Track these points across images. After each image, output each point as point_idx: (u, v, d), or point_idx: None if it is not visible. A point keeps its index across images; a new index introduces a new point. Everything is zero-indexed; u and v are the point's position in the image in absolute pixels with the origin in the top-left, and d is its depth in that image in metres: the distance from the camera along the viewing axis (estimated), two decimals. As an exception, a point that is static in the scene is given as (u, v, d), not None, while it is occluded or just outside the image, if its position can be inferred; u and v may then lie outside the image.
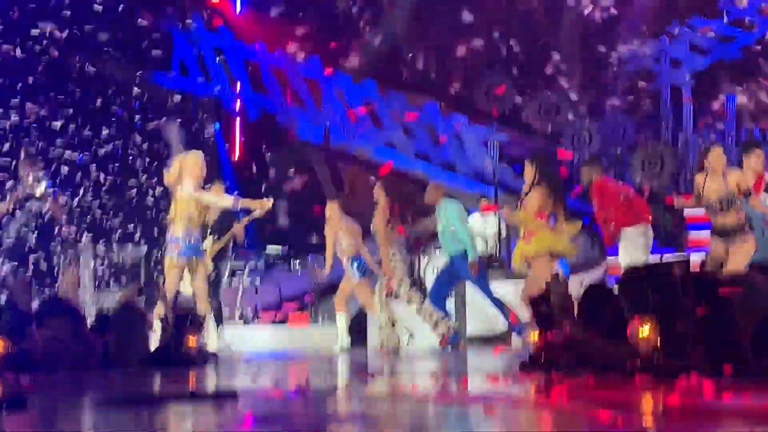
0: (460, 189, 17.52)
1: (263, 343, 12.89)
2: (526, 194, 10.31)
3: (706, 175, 9.75)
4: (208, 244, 11.42)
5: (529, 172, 10.43)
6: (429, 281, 14.64)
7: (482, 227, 15.31)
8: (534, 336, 6.63)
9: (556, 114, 18.44)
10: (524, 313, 10.76)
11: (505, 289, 13.23)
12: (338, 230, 12.12)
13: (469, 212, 15.95)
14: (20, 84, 15.34)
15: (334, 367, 8.16)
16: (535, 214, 10.20)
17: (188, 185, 9.73)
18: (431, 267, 14.77)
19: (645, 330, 5.28)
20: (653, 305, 5.38)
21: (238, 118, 18.50)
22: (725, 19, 18.06)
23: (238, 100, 18.10)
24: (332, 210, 12.20)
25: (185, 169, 9.95)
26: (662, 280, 5.45)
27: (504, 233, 15.01)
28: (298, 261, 15.11)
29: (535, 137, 18.79)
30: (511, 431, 3.29)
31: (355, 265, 12.20)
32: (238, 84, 18.01)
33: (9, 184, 11.94)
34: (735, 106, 17.64)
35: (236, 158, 18.60)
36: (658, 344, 5.27)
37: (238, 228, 11.50)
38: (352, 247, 12.14)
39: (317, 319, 14.59)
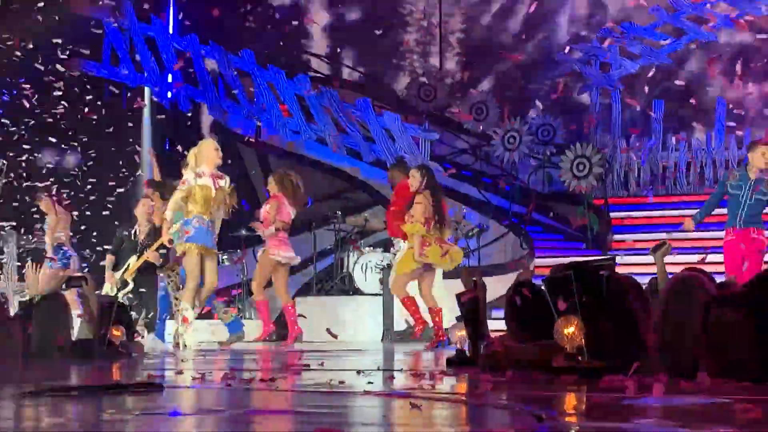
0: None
1: (191, 337, 12.75)
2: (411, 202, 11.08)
3: None
4: (132, 261, 11.42)
5: (416, 178, 11.10)
6: (358, 278, 14.68)
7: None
8: (461, 333, 6.67)
9: (487, 114, 18.56)
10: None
11: (437, 290, 13.29)
12: None
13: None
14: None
15: (261, 359, 8.12)
16: (422, 221, 10.88)
17: (207, 171, 10.53)
18: (360, 264, 14.80)
19: (570, 329, 5.33)
20: (579, 305, 5.43)
21: (168, 110, 18.31)
22: (656, 25, 18.35)
23: (169, 92, 17.92)
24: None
25: (201, 156, 10.64)
26: (588, 280, 5.51)
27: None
28: (225, 256, 15.00)
29: (466, 137, 18.92)
30: (433, 428, 3.31)
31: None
32: (170, 76, 17.84)
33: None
34: (663, 110, 17.92)
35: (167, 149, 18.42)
36: (584, 343, 5.33)
37: (153, 253, 11.44)
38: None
39: (245, 313, 14.52)
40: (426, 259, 11.07)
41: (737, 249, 9.93)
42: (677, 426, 3.13)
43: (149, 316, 11.40)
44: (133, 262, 11.42)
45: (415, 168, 11.66)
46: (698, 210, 10.73)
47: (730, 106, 17.58)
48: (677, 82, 18.10)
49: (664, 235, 14.47)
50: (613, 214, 16.72)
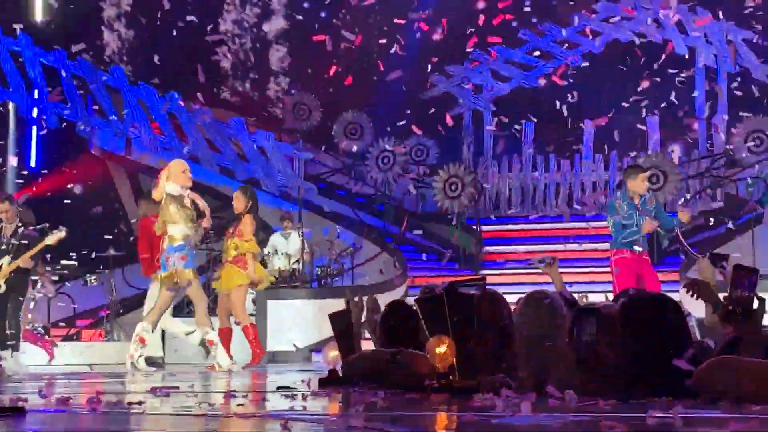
0: (264, 206, 17.47)
1: (56, 359, 12.43)
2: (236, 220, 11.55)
3: None
4: (5, 263, 11.01)
5: (242, 200, 11.51)
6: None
7: (285, 244, 15.32)
8: (333, 353, 6.65)
9: (361, 134, 18.64)
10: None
11: (307, 306, 13.28)
12: None
13: (273, 230, 15.96)
14: None
15: (127, 383, 7.96)
16: (249, 240, 11.37)
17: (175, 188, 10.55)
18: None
19: (442, 349, 5.36)
20: (451, 324, 5.47)
21: (35, 127, 17.88)
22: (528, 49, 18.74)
23: (36, 108, 17.50)
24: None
25: (171, 176, 10.61)
26: (459, 299, 5.55)
27: (307, 250, 15.04)
28: (93, 276, 14.68)
29: (340, 156, 18.97)
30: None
31: None
32: (36, 91, 17.42)
33: None
34: (533, 132, 18.28)
35: (33, 167, 17.98)
36: (455, 363, 5.37)
37: (26, 257, 11.04)
38: None
39: (113, 335, 14.23)
40: (256, 276, 11.49)
41: (633, 269, 10.20)
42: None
43: (12, 332, 10.87)
44: (5, 264, 10.95)
45: (240, 189, 11.91)
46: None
47: (599, 127, 18.03)
48: (548, 105, 18.47)
49: (534, 247, 14.80)
50: (485, 228, 17.00)
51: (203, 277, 15.36)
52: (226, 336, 11.35)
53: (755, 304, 4.88)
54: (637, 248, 10.16)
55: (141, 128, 17.36)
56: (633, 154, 17.38)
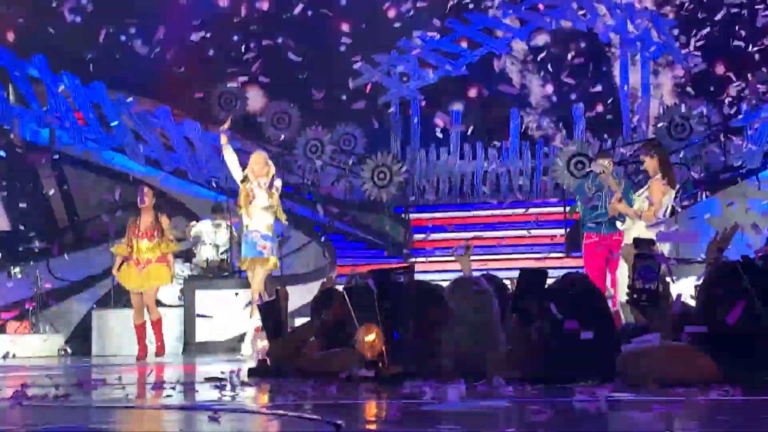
0: (192, 196, 17.35)
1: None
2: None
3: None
4: None
5: (151, 196, 11.81)
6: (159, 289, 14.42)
7: (213, 234, 15.22)
8: (262, 343, 6.64)
9: (289, 123, 18.59)
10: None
11: (234, 296, 13.22)
12: None
13: (200, 219, 15.85)
14: None
15: (53, 376, 7.85)
16: (172, 240, 11.85)
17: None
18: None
19: (370, 337, 5.38)
20: (380, 311, 5.49)
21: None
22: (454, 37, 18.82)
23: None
24: None
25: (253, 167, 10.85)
26: (388, 287, 5.58)
27: (236, 240, 14.97)
28: (18, 269, 14.45)
29: (268, 146, 18.87)
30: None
31: None
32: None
33: None
34: (460, 120, 18.36)
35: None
36: (384, 350, 5.39)
37: None
38: None
39: (39, 327, 14.04)
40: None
41: (602, 252, 10.33)
42: (471, 431, 3.20)
43: None
44: None
45: (147, 186, 12.11)
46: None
47: (526, 115, 18.20)
48: (474, 93, 18.59)
49: (463, 235, 14.90)
50: (413, 215, 17.07)
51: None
52: (144, 329, 11.53)
53: (660, 290, 4.95)
54: (604, 231, 10.30)
55: (64, 118, 17.10)
56: (558, 142, 17.57)
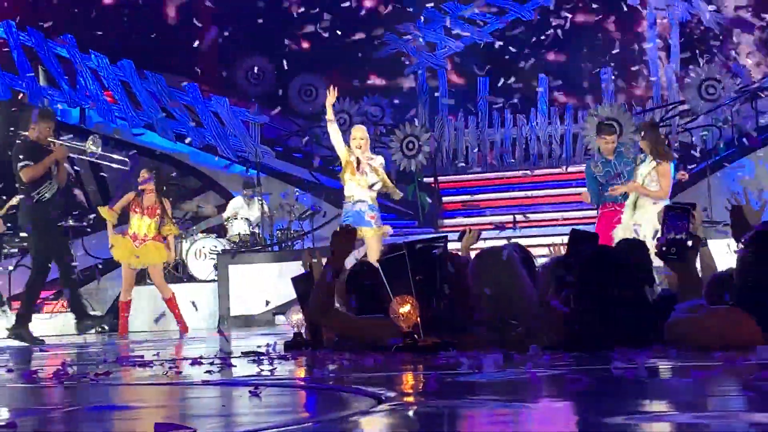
0: (221, 171, 17.43)
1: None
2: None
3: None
4: None
5: (155, 179, 12.18)
6: (191, 264, 14.52)
7: (246, 209, 15.31)
8: (297, 316, 6.66)
9: (316, 96, 18.57)
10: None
11: (268, 270, 13.29)
12: None
13: (232, 195, 15.93)
14: None
15: (94, 354, 7.94)
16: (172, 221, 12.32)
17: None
18: (194, 250, 14.65)
19: (405, 308, 5.39)
20: (414, 283, 5.50)
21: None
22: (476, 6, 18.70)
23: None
24: None
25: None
26: (422, 259, 5.58)
27: (268, 215, 15.05)
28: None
29: (296, 119, 18.89)
30: (273, 416, 3.30)
31: None
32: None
33: None
34: (488, 88, 18.28)
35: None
36: (419, 321, 5.40)
37: None
38: None
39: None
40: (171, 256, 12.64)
41: (613, 221, 10.38)
42: (510, 400, 3.21)
43: None
44: None
45: (147, 169, 12.33)
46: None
47: (554, 81, 18.09)
48: (501, 60, 18.48)
49: (492, 219, 14.93)
50: (441, 179, 17.10)
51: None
52: (128, 307, 11.77)
53: (689, 243, 4.95)
54: (621, 199, 10.34)
55: (94, 97, 17.20)
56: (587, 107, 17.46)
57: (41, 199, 10.61)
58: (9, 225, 11.98)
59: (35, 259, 11.00)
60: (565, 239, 5.76)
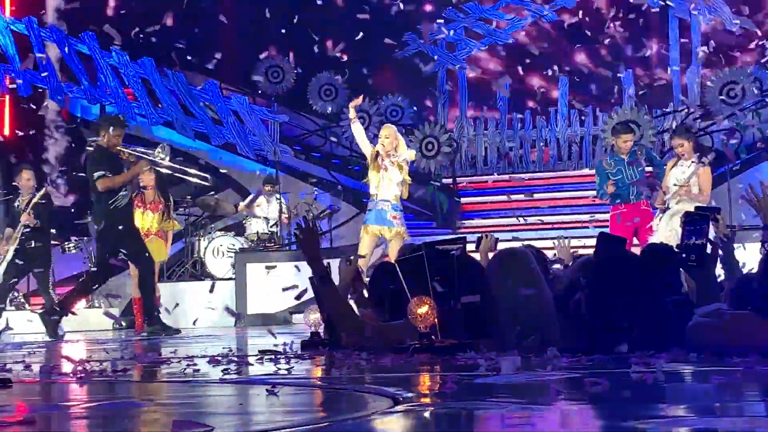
0: (240, 170, 17.46)
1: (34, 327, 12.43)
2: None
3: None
4: (9, 234, 11.63)
5: (153, 176, 12.37)
6: (209, 262, 14.55)
7: (265, 208, 15.33)
8: (314, 316, 6.67)
9: (336, 95, 18.57)
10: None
11: (285, 269, 13.30)
12: None
13: (251, 194, 15.96)
14: None
15: (110, 350, 7.96)
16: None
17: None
18: (211, 248, 14.67)
19: (423, 309, 5.39)
20: (431, 284, 5.50)
21: (7, 96, 17.72)
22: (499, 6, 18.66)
23: (7, 76, 17.36)
24: None
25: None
26: (440, 260, 5.58)
27: (286, 214, 15.06)
28: (72, 243, 14.60)
29: (315, 118, 18.88)
30: (290, 415, 3.30)
31: None
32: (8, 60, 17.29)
33: None
34: (508, 89, 18.22)
35: (8, 136, 17.82)
36: (436, 322, 5.40)
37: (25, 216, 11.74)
38: None
39: (94, 302, 14.21)
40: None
41: (629, 222, 10.51)
42: (527, 403, 3.20)
43: None
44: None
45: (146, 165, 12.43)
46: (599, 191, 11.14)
47: (576, 80, 18.04)
48: (522, 62, 18.43)
49: (512, 220, 14.95)
50: (463, 200, 17.06)
51: (183, 241, 15.37)
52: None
53: (708, 249, 4.95)
54: (633, 199, 10.46)
55: (115, 95, 17.27)
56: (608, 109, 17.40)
57: (117, 206, 10.82)
58: (37, 222, 12.12)
59: (98, 259, 11.24)
60: (581, 241, 5.78)
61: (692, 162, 10.11)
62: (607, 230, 10.11)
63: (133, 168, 10.96)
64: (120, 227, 10.77)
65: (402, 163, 10.83)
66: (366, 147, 11.00)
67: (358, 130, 11.11)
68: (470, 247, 7.89)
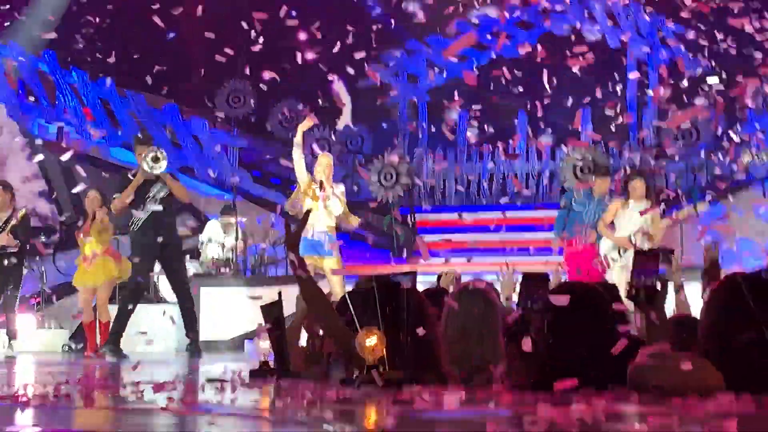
0: (199, 194, 17.38)
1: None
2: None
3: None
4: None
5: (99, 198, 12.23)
6: (162, 286, 14.45)
7: (222, 234, 15.27)
8: (264, 344, 6.65)
9: (297, 122, 18.56)
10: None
11: (240, 295, 13.24)
12: None
13: (207, 218, 15.89)
14: None
15: (55, 374, 7.88)
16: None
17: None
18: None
19: (371, 341, 5.38)
20: (382, 315, 5.50)
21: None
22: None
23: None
24: None
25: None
26: (389, 291, 5.59)
27: (241, 239, 15.01)
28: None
29: (275, 144, 18.85)
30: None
31: None
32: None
33: None
34: (467, 122, 18.33)
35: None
36: (384, 355, 5.39)
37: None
38: None
39: (44, 323, 14.08)
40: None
41: (579, 258, 10.62)
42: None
43: None
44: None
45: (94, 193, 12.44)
46: (555, 231, 11.29)
47: (533, 119, 18.17)
48: (482, 95, 18.54)
49: (470, 236, 14.98)
50: (418, 216, 17.08)
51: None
52: (94, 327, 11.74)
53: (658, 288, 5.01)
54: (583, 235, 10.59)
55: (72, 115, 17.16)
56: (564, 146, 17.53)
57: (137, 225, 10.86)
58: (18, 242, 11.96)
59: (131, 279, 11.47)
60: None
61: (644, 205, 10.23)
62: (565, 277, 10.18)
63: (134, 181, 11.06)
64: (157, 240, 10.87)
65: (340, 194, 10.90)
66: (303, 174, 11.03)
67: (299, 156, 11.12)
68: (433, 279, 7.95)
